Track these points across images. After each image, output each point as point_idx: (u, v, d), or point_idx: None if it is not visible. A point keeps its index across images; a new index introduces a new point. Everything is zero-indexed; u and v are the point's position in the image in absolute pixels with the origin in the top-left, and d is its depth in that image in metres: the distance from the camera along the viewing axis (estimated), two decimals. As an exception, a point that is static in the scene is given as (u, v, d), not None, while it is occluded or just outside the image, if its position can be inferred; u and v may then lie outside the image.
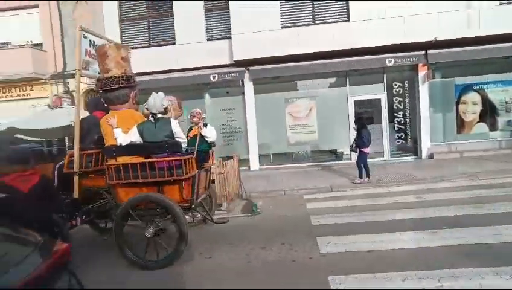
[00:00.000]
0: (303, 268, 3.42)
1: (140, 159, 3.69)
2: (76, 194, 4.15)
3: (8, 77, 10.13)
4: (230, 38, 9.67)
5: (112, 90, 4.05)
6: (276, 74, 9.84)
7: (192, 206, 3.92)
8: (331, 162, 9.92)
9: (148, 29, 10.35)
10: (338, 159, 10.20)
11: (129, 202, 3.68)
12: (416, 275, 2.97)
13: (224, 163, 6.13)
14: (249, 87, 10.08)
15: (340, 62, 9.41)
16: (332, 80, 10.24)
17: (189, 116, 5.26)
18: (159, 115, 3.78)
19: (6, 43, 10.57)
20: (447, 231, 4.05)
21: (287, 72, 9.68)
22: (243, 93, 10.24)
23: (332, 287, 2.94)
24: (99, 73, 4.34)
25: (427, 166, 8.75)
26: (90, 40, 4.54)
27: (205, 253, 4.05)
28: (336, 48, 9.05)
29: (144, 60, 10.00)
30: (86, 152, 4.25)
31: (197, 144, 4.21)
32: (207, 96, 10.58)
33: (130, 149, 3.76)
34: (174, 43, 10.13)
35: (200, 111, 5.17)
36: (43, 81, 10.44)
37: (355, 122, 8.30)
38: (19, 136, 6.83)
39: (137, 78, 10.32)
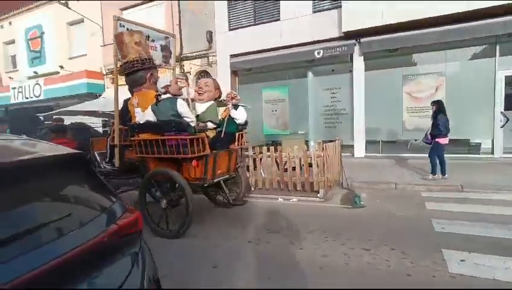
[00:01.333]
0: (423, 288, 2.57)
1: (157, 137, 3.91)
2: (117, 164, 4.63)
3: (140, 62, 11.84)
4: (339, 7, 8.62)
5: (132, 74, 4.36)
6: (393, 45, 8.29)
7: (205, 184, 4.14)
8: (462, 155, 7.88)
9: (253, 7, 10.24)
10: (473, 151, 8.05)
11: (148, 174, 4.13)
12: None
13: (324, 146, 5.45)
14: (358, 62, 8.87)
15: (488, 24, 7.17)
16: (473, 49, 7.98)
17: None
18: (163, 96, 4.02)
19: (140, 33, 12.33)
20: None
21: (408, 42, 8.02)
22: (351, 70, 9.11)
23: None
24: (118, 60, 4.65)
25: None
26: (127, 29, 4.76)
27: (297, 243, 3.59)
28: (483, 6, 6.89)
29: (249, 39, 10.06)
30: (124, 128, 4.59)
31: (224, 125, 4.31)
32: (310, 74, 9.88)
33: (145, 127, 4.08)
34: (278, 19, 9.72)
35: (234, 92, 4.89)
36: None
37: (432, 104, 6.28)
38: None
39: (241, 58, 10.65)
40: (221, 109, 4.93)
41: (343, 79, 9.33)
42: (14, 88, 15.93)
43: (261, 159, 6.08)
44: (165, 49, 5.67)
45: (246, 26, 10.30)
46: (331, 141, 6.31)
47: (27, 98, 15.45)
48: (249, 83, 10.86)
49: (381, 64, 8.85)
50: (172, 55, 5.83)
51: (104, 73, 13.57)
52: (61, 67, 14.42)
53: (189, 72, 11.45)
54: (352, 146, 9.13)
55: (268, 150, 6.10)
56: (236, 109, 4.59)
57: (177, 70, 11.61)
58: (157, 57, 5.36)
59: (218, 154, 4.28)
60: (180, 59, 11.48)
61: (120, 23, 4.69)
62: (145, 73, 4.36)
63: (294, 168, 5.81)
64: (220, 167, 4.41)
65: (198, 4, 11.04)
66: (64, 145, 3.80)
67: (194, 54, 11.27)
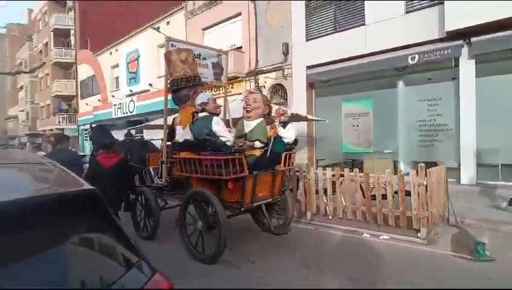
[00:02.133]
0: None
1: (194, 156, 3.82)
2: (163, 180, 4.73)
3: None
4: (440, 3, 7.22)
5: (177, 91, 4.40)
6: (520, 43, 6.46)
7: (242, 209, 3.89)
8: None
9: (334, 13, 9.46)
10: None
11: (187, 193, 4.05)
12: None
13: (428, 171, 4.25)
14: (467, 67, 7.20)
15: None
16: None
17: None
18: (200, 114, 3.91)
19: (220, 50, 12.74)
20: None
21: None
22: (454, 78, 7.48)
23: None
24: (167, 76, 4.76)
25: None
26: (178, 48, 4.76)
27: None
28: None
29: (328, 49, 9.28)
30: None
31: (270, 144, 3.93)
32: (400, 84, 8.50)
33: (183, 145, 4.01)
34: (363, 24, 8.71)
35: (283, 109, 4.37)
36: (240, 79, 11.82)
37: None
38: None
39: (319, 69, 9.90)
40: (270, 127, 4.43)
41: (445, 88, 7.71)
42: (115, 105, 18.32)
43: (341, 183, 5.14)
44: (217, 66, 5.71)
45: (325, 35, 9.56)
46: (427, 163, 4.97)
47: (124, 114, 17.54)
48: (326, 95, 10.01)
49: (500, 69, 7.01)
50: (224, 72, 5.85)
51: (186, 89, 14.44)
52: (150, 85, 15.91)
53: (264, 86, 11.20)
54: (458, 170, 7.36)
55: (351, 170, 5.15)
56: (284, 127, 4.09)
57: (252, 84, 11.51)
58: (208, 74, 5.46)
59: (259, 176, 3.94)
60: (256, 73, 11.35)
61: (171, 44, 4.79)
62: (189, 91, 4.35)
63: (384, 196, 4.72)
64: (262, 189, 4.08)
65: (276, 16, 10.80)
66: (107, 160, 4.37)
67: (269, 68, 10.99)
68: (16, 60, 38.17)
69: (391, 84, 8.61)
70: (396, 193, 4.59)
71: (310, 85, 10.07)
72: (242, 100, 9.87)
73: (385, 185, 4.64)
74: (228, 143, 3.71)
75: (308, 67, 9.84)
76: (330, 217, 5.17)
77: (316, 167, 9.66)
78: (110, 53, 20.26)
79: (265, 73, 11.16)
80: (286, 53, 10.28)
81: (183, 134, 4.06)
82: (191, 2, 14.15)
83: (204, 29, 13.68)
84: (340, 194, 5.12)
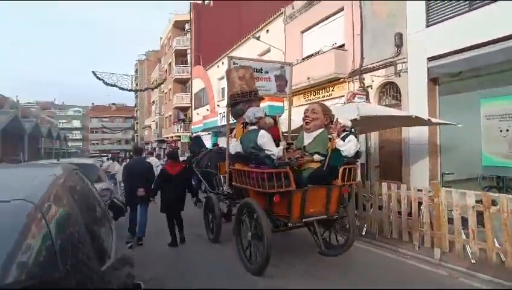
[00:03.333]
0: None
1: (243, 168, 4.03)
2: (225, 188, 5.19)
3: (317, 81, 11.31)
4: None
5: (234, 106, 4.70)
6: None
7: (289, 224, 3.92)
8: None
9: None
10: None
11: (241, 203, 4.26)
12: None
13: None
14: None
15: None
16: None
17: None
18: (250, 127, 4.05)
19: (319, 52, 11.89)
20: None
21: None
22: None
23: None
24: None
25: None
26: (238, 66, 5.08)
27: None
28: None
29: (457, 34, 7.27)
30: None
31: (328, 158, 3.93)
32: None
33: (235, 157, 4.32)
34: (515, -8, 6.42)
35: (341, 122, 4.14)
36: (342, 80, 10.67)
37: None
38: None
39: (444, 60, 7.87)
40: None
41: None
42: (220, 113, 19.68)
43: (491, 214, 3.59)
44: (280, 78, 5.88)
45: (454, 16, 7.53)
46: None
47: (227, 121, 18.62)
48: (456, 92, 7.86)
49: None
50: (288, 84, 5.96)
51: (284, 95, 14.11)
52: (251, 93, 16.31)
53: (370, 86, 9.75)
54: None
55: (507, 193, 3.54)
56: (344, 139, 3.97)
57: (356, 85, 10.21)
58: (271, 86, 5.77)
59: (310, 191, 3.87)
60: (360, 72, 10.01)
61: (233, 62, 5.12)
62: (244, 105, 4.52)
63: None
64: (314, 205, 3.96)
65: (385, 4, 9.27)
66: (173, 168, 5.39)
67: (377, 64, 9.50)
68: (150, 80, 46.48)
69: None
70: None
71: (433, 81, 8.13)
72: (344, 103, 8.79)
73: None
74: (273, 157, 3.71)
75: (430, 59, 7.95)
76: (473, 262, 3.67)
77: (442, 183, 7.67)
78: (218, 66, 22.02)
79: (371, 71, 9.71)
80: (400, 45, 8.62)
81: (235, 146, 4.30)
82: (290, 6, 13.84)
83: (302, 32, 13.12)
84: (491, 230, 3.57)
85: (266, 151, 3.74)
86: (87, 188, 2.04)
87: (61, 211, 1.01)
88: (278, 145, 3.87)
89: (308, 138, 4.25)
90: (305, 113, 4.34)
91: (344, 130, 4.10)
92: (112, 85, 19.71)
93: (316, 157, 4.02)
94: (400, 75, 8.79)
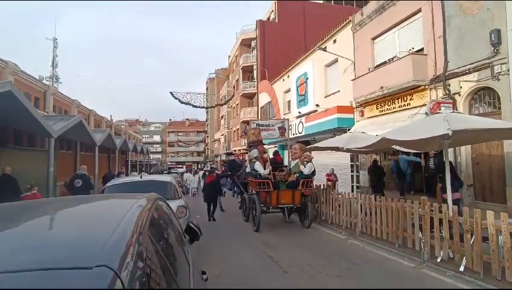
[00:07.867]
0: None
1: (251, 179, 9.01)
2: (250, 191, 9.70)
3: (392, 90, 10.37)
4: None
5: (250, 148, 9.61)
6: None
7: (269, 206, 8.50)
8: None
9: None
10: None
11: (247, 194, 9.55)
12: None
13: None
14: None
15: None
16: None
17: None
18: (252, 159, 8.90)
19: (393, 58, 10.96)
20: None
21: None
22: None
23: None
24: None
25: None
26: (259, 124, 11.42)
27: None
28: None
29: None
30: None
31: (296, 174, 8.62)
32: None
33: (247, 174, 9.76)
34: None
35: (307, 154, 8.84)
36: (422, 87, 9.57)
37: None
38: (395, 147, 7.64)
39: None
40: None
41: None
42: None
43: None
44: (281, 128, 11.68)
45: None
46: None
47: (294, 134, 18.35)
48: None
49: None
50: (286, 131, 11.82)
51: (354, 106, 13.32)
52: (317, 105, 15.86)
53: (459, 93, 8.51)
54: None
55: None
56: (305, 165, 8.43)
57: (439, 92, 9.05)
58: (275, 134, 11.70)
59: (281, 191, 8.17)
60: (444, 78, 8.85)
61: (253, 122, 9.68)
62: (254, 147, 9.34)
63: None
64: (285, 198, 8.20)
65: (475, 8, 8.07)
66: (208, 178, 11.17)
67: (466, 68, 8.27)
68: (219, 96, 49.41)
69: None
70: None
71: (545, 83, 6.70)
72: (426, 114, 7.82)
73: None
74: (261, 173, 8.35)
75: (540, 58, 6.59)
76: None
77: None
78: (283, 80, 22.13)
79: (459, 76, 8.49)
80: (497, 43, 7.37)
81: (247, 169, 9.52)
82: (358, 13, 13.19)
83: (373, 39, 12.31)
84: None
85: (258, 171, 8.40)
86: (168, 219, 2.09)
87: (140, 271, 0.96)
88: (265, 168, 8.63)
89: (292, 164, 9.27)
90: (291, 150, 8.29)
91: (309, 160, 8.55)
92: (186, 103, 21.42)
93: (295, 175, 8.56)
94: (498, 79, 7.47)
